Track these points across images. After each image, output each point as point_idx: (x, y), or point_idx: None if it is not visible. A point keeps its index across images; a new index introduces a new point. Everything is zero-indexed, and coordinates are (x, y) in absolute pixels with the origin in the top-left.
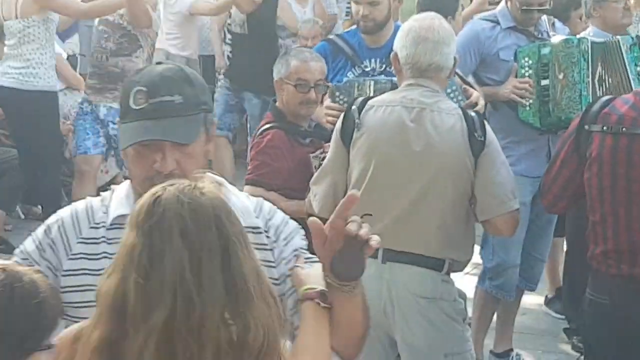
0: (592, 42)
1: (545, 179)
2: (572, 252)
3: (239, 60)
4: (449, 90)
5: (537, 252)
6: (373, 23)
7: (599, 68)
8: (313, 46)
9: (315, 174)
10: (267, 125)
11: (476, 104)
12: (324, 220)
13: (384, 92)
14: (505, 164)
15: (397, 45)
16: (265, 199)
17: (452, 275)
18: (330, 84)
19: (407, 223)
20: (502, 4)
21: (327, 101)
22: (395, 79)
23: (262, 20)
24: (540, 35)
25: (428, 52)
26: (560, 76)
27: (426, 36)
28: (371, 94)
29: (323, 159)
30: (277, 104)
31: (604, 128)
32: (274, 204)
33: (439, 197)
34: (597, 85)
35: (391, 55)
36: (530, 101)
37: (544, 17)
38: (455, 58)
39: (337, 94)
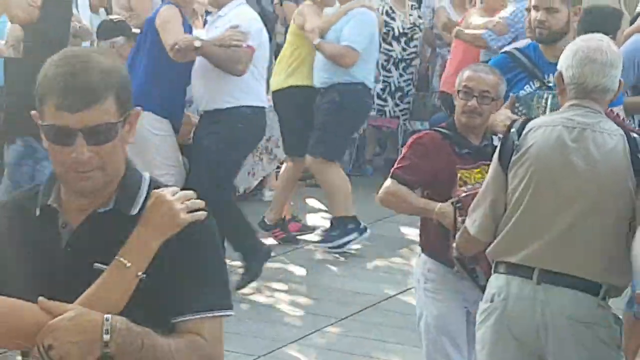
0: None
1: None
2: None
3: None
4: None
5: None
6: (548, 31)
7: None
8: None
9: (474, 201)
10: (432, 128)
11: None
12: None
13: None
14: None
15: (563, 64)
16: (394, 191)
17: None
18: (511, 94)
19: (566, 245)
20: None
21: (504, 109)
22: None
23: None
24: None
25: (595, 73)
26: None
27: (594, 57)
28: (548, 108)
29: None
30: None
31: None
32: (402, 198)
33: (600, 218)
34: None
35: (556, 74)
36: None
37: None
38: (620, 81)
39: (517, 105)
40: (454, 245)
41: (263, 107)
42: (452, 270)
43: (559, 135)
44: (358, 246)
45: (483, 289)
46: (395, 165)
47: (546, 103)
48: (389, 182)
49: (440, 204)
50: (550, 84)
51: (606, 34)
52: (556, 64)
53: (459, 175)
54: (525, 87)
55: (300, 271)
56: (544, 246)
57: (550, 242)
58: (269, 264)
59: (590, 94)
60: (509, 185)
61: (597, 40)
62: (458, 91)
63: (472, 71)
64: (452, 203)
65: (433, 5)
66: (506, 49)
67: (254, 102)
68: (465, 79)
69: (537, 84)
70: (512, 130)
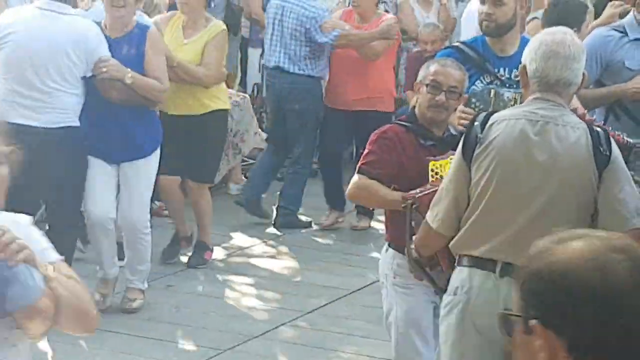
0: None
1: None
2: None
3: None
4: None
5: None
6: (495, 24)
7: None
8: (433, 50)
9: (436, 195)
10: (394, 122)
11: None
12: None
13: (506, 105)
14: (630, 180)
15: (527, 58)
16: (364, 185)
17: None
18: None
19: (528, 236)
20: (630, 15)
21: (461, 106)
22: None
23: None
24: None
25: (558, 67)
26: None
27: (557, 51)
28: (507, 104)
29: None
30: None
31: None
32: (372, 192)
33: (562, 211)
34: None
35: (520, 67)
36: None
37: None
38: (584, 74)
39: (474, 100)
40: (412, 246)
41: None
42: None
43: (522, 129)
44: (325, 240)
45: (442, 291)
46: (362, 161)
47: (507, 99)
48: (357, 177)
49: (405, 193)
50: (503, 78)
51: (571, 26)
52: (504, 58)
53: (430, 166)
54: (476, 83)
55: (266, 265)
56: (506, 239)
57: (513, 235)
58: (234, 258)
59: (554, 88)
60: (472, 179)
61: (561, 33)
62: (426, 84)
63: (440, 65)
64: (408, 204)
65: (396, 0)
66: (454, 43)
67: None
68: (433, 72)
69: (489, 78)
70: (476, 123)
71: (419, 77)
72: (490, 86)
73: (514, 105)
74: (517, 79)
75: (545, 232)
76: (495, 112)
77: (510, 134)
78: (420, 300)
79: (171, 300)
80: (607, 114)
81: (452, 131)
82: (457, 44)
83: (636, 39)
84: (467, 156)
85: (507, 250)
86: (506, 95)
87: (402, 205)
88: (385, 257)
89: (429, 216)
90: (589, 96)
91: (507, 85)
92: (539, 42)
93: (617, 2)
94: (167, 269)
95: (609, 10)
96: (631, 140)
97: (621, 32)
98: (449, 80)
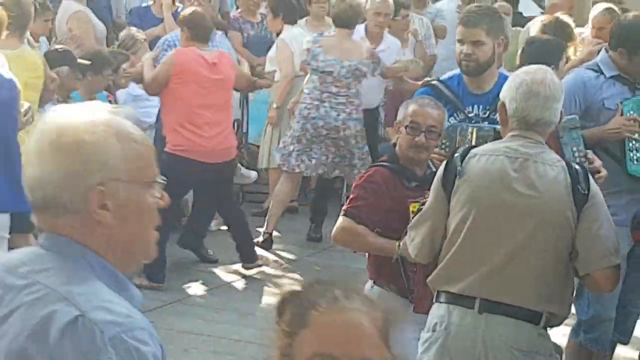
0: None
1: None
2: None
3: None
4: (574, 150)
5: (632, 305)
6: (475, 64)
7: None
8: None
9: (415, 218)
10: (376, 164)
11: (599, 171)
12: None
13: (486, 140)
14: (608, 218)
15: (506, 96)
16: (350, 229)
17: None
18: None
19: (506, 274)
20: (603, 52)
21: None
22: (498, 127)
23: None
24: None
25: (539, 107)
26: None
27: (537, 91)
28: (473, 141)
29: (423, 203)
30: (396, 146)
31: None
32: (359, 236)
33: (540, 248)
34: None
35: (498, 104)
36: (638, 154)
37: None
38: (561, 112)
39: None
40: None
41: None
42: (406, 301)
43: (501, 165)
44: (306, 275)
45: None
46: (349, 204)
47: (472, 136)
48: (344, 220)
49: (400, 242)
50: (471, 115)
51: (548, 64)
52: (479, 95)
53: (411, 209)
54: (449, 119)
55: (247, 301)
56: (484, 276)
57: (491, 272)
58: (214, 294)
59: (533, 127)
60: (450, 211)
61: (541, 72)
62: (405, 126)
63: (418, 105)
64: (398, 254)
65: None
66: (432, 81)
67: None
68: (411, 113)
69: (461, 116)
70: (456, 155)
71: (399, 117)
72: (459, 125)
73: (472, 138)
74: (485, 115)
75: (523, 269)
76: (475, 146)
77: (490, 170)
78: (407, 338)
79: None
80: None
81: (434, 168)
82: (434, 81)
83: (612, 77)
84: (447, 187)
85: (485, 287)
86: (469, 130)
87: (395, 258)
88: (371, 294)
89: (407, 239)
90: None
91: (474, 121)
92: (520, 81)
93: (595, 40)
94: (145, 305)
95: (587, 47)
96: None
97: (596, 71)
98: (428, 120)
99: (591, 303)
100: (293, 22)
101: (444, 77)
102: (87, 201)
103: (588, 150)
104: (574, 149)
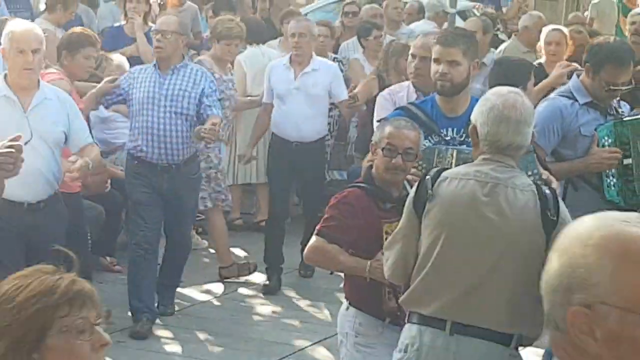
0: None
1: None
2: None
3: None
4: (529, 173)
5: None
6: (450, 84)
7: None
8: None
9: (388, 239)
10: (351, 185)
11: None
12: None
13: (467, 162)
14: None
15: (478, 120)
16: (323, 249)
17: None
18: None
19: (476, 297)
20: (574, 78)
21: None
22: None
23: None
24: (611, 111)
25: (510, 132)
26: None
27: (509, 115)
28: (454, 163)
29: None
30: (372, 168)
31: None
32: (332, 256)
33: (509, 273)
34: None
35: (470, 127)
36: (614, 180)
37: None
38: (533, 134)
39: (419, 160)
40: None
41: None
42: (383, 323)
43: (471, 189)
44: (276, 295)
45: None
46: (322, 224)
47: (452, 158)
48: (317, 240)
49: (370, 261)
50: (448, 138)
51: (517, 85)
52: (453, 118)
53: (384, 229)
54: (424, 142)
55: (217, 320)
56: (454, 299)
57: (461, 295)
58: (185, 314)
59: (505, 151)
60: (421, 233)
61: (512, 95)
62: (382, 148)
63: (394, 127)
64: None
65: (348, 56)
66: (392, 96)
67: None
68: (387, 135)
69: (436, 138)
70: (427, 177)
71: (375, 139)
72: (437, 147)
73: (452, 161)
74: (462, 138)
75: (493, 293)
76: (446, 168)
77: (460, 194)
78: (382, 359)
79: (122, 357)
80: (566, 184)
81: (409, 189)
82: (407, 105)
83: (585, 104)
84: (419, 209)
85: (456, 310)
86: (449, 152)
87: (370, 278)
88: (346, 316)
89: (383, 258)
90: (552, 171)
91: (451, 144)
92: (491, 106)
93: (564, 63)
94: (116, 324)
95: (557, 70)
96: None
97: (570, 98)
98: (405, 142)
99: None
100: (258, 42)
101: (417, 100)
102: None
103: (544, 172)
104: (529, 172)
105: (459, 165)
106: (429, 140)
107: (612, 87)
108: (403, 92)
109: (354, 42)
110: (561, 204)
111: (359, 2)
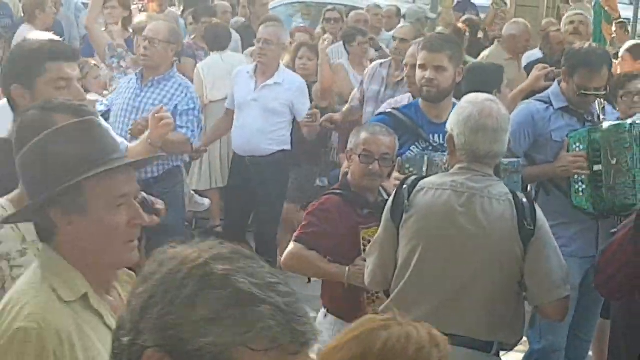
0: None
1: (600, 258)
2: (616, 334)
3: None
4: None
5: (583, 333)
6: (437, 90)
7: None
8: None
9: (368, 247)
10: (329, 191)
11: None
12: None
13: (440, 168)
14: (556, 251)
15: (454, 129)
16: (302, 256)
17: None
18: (399, 158)
19: (455, 306)
20: (555, 84)
21: (395, 173)
22: None
23: None
24: (590, 118)
25: (488, 141)
26: (614, 162)
27: (485, 124)
28: (425, 170)
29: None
30: (348, 174)
31: None
32: (311, 263)
33: (488, 282)
34: None
35: (447, 135)
36: (583, 187)
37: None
38: (509, 140)
39: (407, 166)
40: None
41: None
42: None
43: (447, 200)
44: None
45: None
46: (300, 230)
47: (439, 162)
48: (294, 246)
49: (349, 267)
50: (436, 144)
51: (490, 90)
52: (438, 124)
53: (362, 235)
54: (411, 148)
55: None
56: (433, 308)
57: (440, 304)
58: None
59: (482, 160)
60: (399, 242)
61: (488, 103)
62: (358, 155)
63: (369, 134)
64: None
65: (333, 62)
66: (387, 109)
67: None
68: (363, 142)
69: (424, 144)
70: (404, 186)
71: (350, 145)
72: (425, 152)
73: (447, 168)
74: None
75: (472, 302)
76: (424, 177)
77: (436, 205)
78: None
79: None
80: (537, 188)
81: (385, 196)
82: (390, 110)
83: (560, 109)
84: (396, 219)
85: (436, 319)
86: (438, 159)
87: (349, 283)
88: (324, 324)
89: (365, 265)
90: (522, 175)
91: (441, 151)
92: (468, 115)
93: (541, 65)
94: None
95: (534, 74)
96: (504, 160)
97: (546, 102)
98: (381, 148)
99: (543, 333)
100: (220, 49)
101: (400, 106)
102: None
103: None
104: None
105: (431, 171)
106: (416, 147)
107: (583, 92)
108: (405, 102)
109: (339, 47)
110: (538, 212)
111: (340, 9)
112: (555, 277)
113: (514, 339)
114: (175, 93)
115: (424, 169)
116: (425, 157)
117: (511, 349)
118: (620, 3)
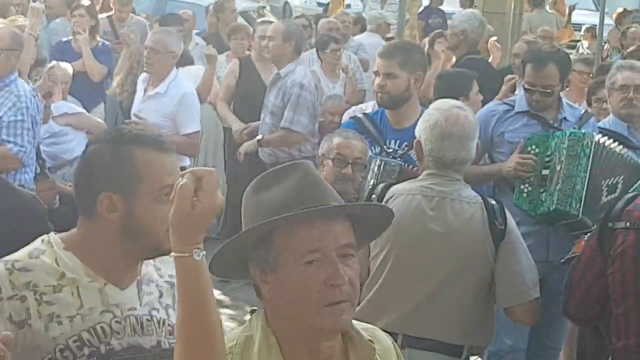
0: (601, 138)
1: (569, 281)
2: (584, 341)
3: None
4: None
5: (550, 339)
6: (388, 96)
7: (604, 163)
8: (340, 122)
9: None
10: None
11: None
12: None
13: (390, 174)
14: (526, 253)
15: (422, 136)
16: None
17: None
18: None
19: (427, 310)
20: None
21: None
22: (412, 165)
23: None
24: (556, 125)
25: (454, 148)
26: (558, 167)
27: (452, 132)
28: (377, 173)
29: None
30: None
31: (627, 224)
32: None
33: (459, 285)
34: (601, 182)
35: (415, 141)
36: (529, 188)
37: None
38: (478, 145)
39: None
40: None
41: None
42: None
43: (417, 204)
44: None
45: None
46: None
47: (378, 168)
48: None
49: None
50: (390, 150)
51: (459, 95)
52: (400, 131)
53: None
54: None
55: None
56: (406, 313)
57: (412, 309)
58: None
59: (449, 166)
60: (370, 251)
61: (455, 110)
62: (332, 159)
63: (343, 138)
64: None
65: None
66: (356, 114)
67: None
68: (336, 146)
69: (377, 149)
70: (373, 196)
71: (322, 150)
72: (372, 156)
73: (398, 174)
74: (403, 151)
75: (443, 306)
76: (392, 184)
77: (407, 210)
78: None
79: None
80: (494, 188)
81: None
82: (358, 115)
83: (520, 112)
84: None
85: (408, 323)
86: (392, 164)
87: None
88: None
89: None
90: (470, 174)
91: (392, 157)
92: (434, 122)
93: (510, 76)
94: None
95: (503, 89)
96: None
97: (509, 105)
98: (354, 153)
99: (499, 335)
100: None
101: (370, 111)
102: None
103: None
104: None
105: (382, 177)
106: (372, 151)
107: (527, 87)
108: (369, 109)
109: (311, 54)
110: (508, 214)
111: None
112: (525, 279)
113: (485, 342)
114: (3, 102)
115: (376, 174)
116: (378, 160)
117: (482, 352)
118: (586, 9)
